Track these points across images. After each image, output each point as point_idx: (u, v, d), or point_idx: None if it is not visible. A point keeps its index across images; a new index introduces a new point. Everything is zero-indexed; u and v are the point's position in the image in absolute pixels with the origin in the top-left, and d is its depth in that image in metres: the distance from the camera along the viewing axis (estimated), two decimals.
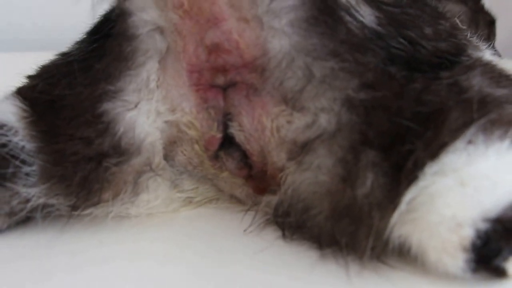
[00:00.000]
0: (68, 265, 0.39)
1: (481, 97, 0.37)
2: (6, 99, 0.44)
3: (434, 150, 0.35)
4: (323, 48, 0.39)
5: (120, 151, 0.42)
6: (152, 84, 0.43)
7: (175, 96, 0.43)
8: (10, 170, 0.41)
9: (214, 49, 0.41)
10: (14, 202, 0.41)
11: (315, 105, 0.39)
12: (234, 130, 0.43)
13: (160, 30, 0.42)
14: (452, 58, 0.42)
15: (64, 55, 0.47)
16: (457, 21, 0.50)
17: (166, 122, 0.44)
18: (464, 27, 0.51)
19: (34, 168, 0.41)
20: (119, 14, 0.43)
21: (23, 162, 0.41)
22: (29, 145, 0.41)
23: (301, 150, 0.40)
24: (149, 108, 0.43)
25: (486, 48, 0.52)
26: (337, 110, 0.39)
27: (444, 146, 0.35)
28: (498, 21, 1.01)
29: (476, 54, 0.45)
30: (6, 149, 0.41)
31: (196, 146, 0.45)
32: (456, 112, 0.36)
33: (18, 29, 1.33)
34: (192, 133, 0.44)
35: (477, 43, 0.48)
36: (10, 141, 0.41)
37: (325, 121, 0.39)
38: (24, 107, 0.43)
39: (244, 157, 0.44)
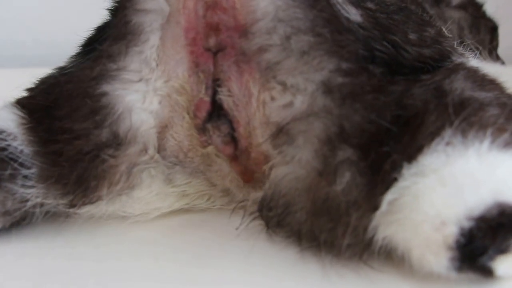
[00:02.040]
0: (66, 268, 0.40)
1: (461, 100, 0.38)
2: (5, 107, 0.46)
3: (411, 152, 0.35)
4: (304, 20, 0.41)
5: (118, 139, 0.44)
6: (153, 64, 0.45)
7: (172, 66, 0.45)
8: (8, 171, 0.42)
9: (212, 5, 0.43)
10: (9, 203, 0.43)
11: (291, 81, 0.41)
12: (223, 95, 0.44)
13: None
14: (435, 63, 0.43)
15: (60, 68, 0.49)
16: (444, 29, 0.51)
17: (160, 101, 0.46)
18: (450, 35, 0.52)
19: (32, 170, 0.43)
20: None
21: (22, 165, 0.43)
22: (27, 149, 0.43)
23: (280, 133, 0.41)
24: (147, 89, 0.45)
25: (478, 55, 0.52)
26: (311, 91, 0.40)
27: (421, 148, 0.35)
28: (503, 28, 1.01)
29: (460, 60, 0.45)
30: (5, 153, 0.43)
31: (186, 117, 0.46)
32: (434, 115, 0.37)
33: (21, 45, 1.36)
34: (182, 99, 0.45)
35: (462, 51, 0.49)
36: (9, 145, 0.43)
37: (299, 102, 0.40)
38: (23, 114, 0.45)
39: (231, 130, 0.45)
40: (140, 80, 0.45)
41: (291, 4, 0.41)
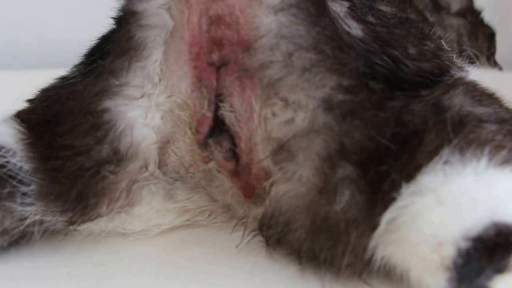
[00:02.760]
0: (65, 287, 0.40)
1: (460, 117, 0.38)
2: (5, 121, 0.46)
3: (410, 172, 0.35)
4: (307, 37, 0.41)
5: (119, 156, 0.44)
6: (156, 78, 0.45)
7: (175, 81, 0.45)
8: (7, 189, 0.42)
9: (216, 20, 0.43)
10: (8, 222, 0.43)
11: (293, 98, 0.41)
12: (224, 111, 0.44)
13: (168, 7, 0.44)
14: (435, 78, 0.43)
15: (63, 78, 0.49)
16: (443, 42, 0.51)
17: (162, 116, 0.46)
18: (449, 48, 0.52)
19: (31, 187, 0.43)
20: None
21: (21, 182, 0.43)
22: (27, 166, 0.43)
23: (281, 149, 0.41)
24: (149, 104, 0.45)
25: (477, 66, 0.52)
26: (312, 108, 0.40)
27: (419, 167, 0.35)
28: (500, 34, 1.02)
29: (459, 74, 0.46)
30: (4, 170, 0.43)
31: (188, 132, 0.46)
32: (433, 133, 0.37)
33: (25, 46, 1.36)
34: (185, 114, 0.46)
35: (461, 64, 0.49)
36: (8, 162, 0.43)
37: (300, 119, 0.40)
38: (22, 129, 0.45)
39: (233, 146, 0.45)
40: (143, 96, 0.45)
41: (294, 21, 0.41)
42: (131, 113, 0.44)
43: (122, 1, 0.47)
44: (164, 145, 0.47)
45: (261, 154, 0.43)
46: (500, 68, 1.01)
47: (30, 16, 1.38)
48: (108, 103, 0.43)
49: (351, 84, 0.40)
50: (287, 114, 0.41)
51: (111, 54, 0.44)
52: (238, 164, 0.45)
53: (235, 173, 0.46)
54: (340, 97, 0.39)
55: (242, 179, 0.46)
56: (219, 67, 0.44)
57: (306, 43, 0.41)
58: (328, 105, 0.40)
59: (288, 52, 0.41)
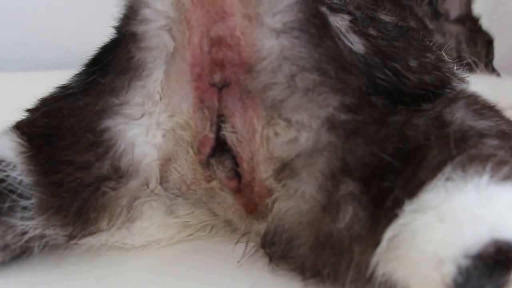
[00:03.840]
0: None
1: (462, 133, 0.38)
2: (5, 134, 0.46)
3: (413, 188, 0.35)
4: (309, 59, 0.41)
5: (119, 173, 0.43)
6: (156, 97, 0.45)
7: (176, 100, 0.45)
8: (7, 204, 0.42)
9: (217, 42, 0.43)
10: (9, 237, 0.43)
11: (296, 118, 0.41)
12: (226, 131, 0.44)
13: (169, 28, 0.44)
14: (436, 90, 0.43)
15: (63, 88, 0.48)
16: (443, 53, 0.51)
17: (164, 135, 0.45)
18: (450, 60, 0.52)
19: (32, 201, 0.43)
20: (130, 12, 0.45)
21: (21, 196, 0.43)
22: (27, 179, 0.43)
23: (284, 168, 0.41)
24: (150, 123, 0.45)
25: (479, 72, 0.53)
26: (316, 128, 0.40)
27: (422, 184, 0.35)
28: (498, 40, 1.02)
29: (460, 86, 0.46)
30: (4, 184, 0.43)
31: (190, 151, 0.46)
32: (435, 149, 0.37)
33: (25, 48, 1.35)
34: (187, 134, 0.46)
35: (462, 75, 0.49)
36: (8, 176, 0.43)
37: (304, 138, 0.40)
38: (22, 142, 0.44)
39: (235, 166, 0.45)
40: (143, 114, 0.45)
41: (297, 44, 0.41)
42: (131, 132, 0.44)
43: (122, 20, 0.46)
44: (165, 162, 0.47)
45: (264, 173, 0.43)
46: (498, 74, 1.01)
47: (29, 18, 1.38)
48: (108, 122, 0.43)
49: (354, 102, 0.40)
50: (290, 134, 0.41)
51: (112, 73, 0.44)
52: (240, 183, 0.45)
53: (237, 191, 0.46)
54: (343, 116, 0.40)
55: (244, 196, 0.46)
56: (221, 88, 0.44)
57: (309, 64, 0.41)
58: (331, 125, 0.40)
59: (291, 74, 0.41)
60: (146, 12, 0.44)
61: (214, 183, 0.46)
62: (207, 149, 0.45)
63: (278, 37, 0.41)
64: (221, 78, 0.44)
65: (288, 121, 0.41)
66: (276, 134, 0.42)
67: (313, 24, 0.42)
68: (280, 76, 0.41)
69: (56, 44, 1.32)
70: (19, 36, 1.36)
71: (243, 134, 0.44)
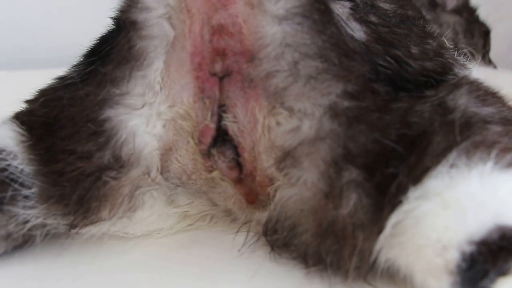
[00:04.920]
0: None
1: (466, 119, 0.38)
2: (4, 124, 0.45)
3: (417, 175, 0.35)
4: (312, 46, 0.40)
5: (120, 162, 0.43)
6: (157, 87, 0.44)
7: (176, 91, 0.44)
8: (9, 193, 0.42)
9: (219, 30, 0.42)
10: (11, 226, 0.43)
11: (299, 106, 0.40)
12: (228, 121, 0.44)
13: (169, 16, 0.43)
14: (438, 77, 0.43)
15: (61, 78, 0.48)
16: (445, 40, 0.51)
17: (164, 125, 0.45)
18: (451, 46, 0.52)
19: (33, 190, 0.43)
20: (130, 0, 0.44)
21: (22, 185, 0.42)
22: (28, 168, 0.43)
23: (286, 157, 0.41)
24: (150, 113, 0.44)
25: (476, 63, 0.53)
26: (318, 116, 0.40)
27: (426, 170, 0.35)
28: (495, 31, 1.02)
29: (462, 72, 0.46)
30: (5, 173, 0.42)
31: (191, 141, 0.46)
32: (439, 135, 0.37)
33: (21, 48, 1.34)
34: (187, 124, 0.45)
35: (463, 61, 0.49)
36: (9, 165, 0.42)
37: (307, 127, 0.40)
38: (22, 131, 0.44)
39: (236, 156, 0.45)
40: (144, 105, 0.44)
41: (300, 30, 0.41)
42: (132, 122, 0.44)
43: (122, 8, 0.46)
44: (166, 152, 0.46)
45: (265, 162, 0.43)
46: (495, 66, 1.02)
47: (27, 17, 1.37)
48: (109, 112, 0.43)
49: (356, 90, 0.40)
50: (292, 122, 0.41)
51: (112, 62, 0.44)
52: (241, 173, 0.45)
53: (238, 181, 0.46)
54: (346, 103, 0.39)
55: (245, 186, 0.46)
56: (222, 77, 0.44)
57: (312, 51, 0.40)
58: (334, 112, 0.39)
59: (294, 61, 0.40)
60: (147, 0, 0.44)
61: (215, 173, 0.46)
62: (208, 139, 0.45)
63: (280, 24, 0.41)
64: (222, 67, 0.43)
65: (291, 109, 0.41)
66: (278, 123, 0.42)
67: (317, 10, 0.41)
68: (283, 63, 0.41)
69: (52, 44, 1.31)
70: (15, 36, 1.35)
71: (245, 124, 0.43)
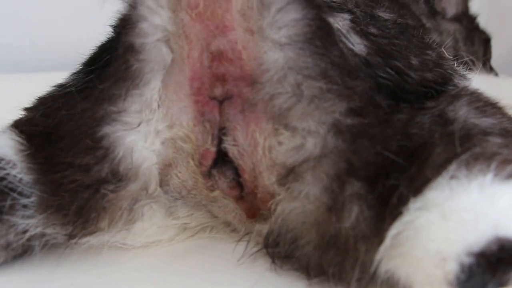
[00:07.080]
0: None
1: (466, 131, 0.38)
2: (3, 132, 0.45)
3: (418, 186, 0.35)
4: (315, 68, 0.40)
5: (118, 176, 0.43)
6: (154, 105, 0.44)
7: (175, 112, 0.44)
8: (8, 202, 0.42)
9: (218, 56, 0.42)
10: (11, 235, 0.42)
11: (303, 125, 0.40)
12: (228, 144, 0.44)
13: (167, 39, 0.43)
14: (439, 87, 0.44)
15: (60, 86, 0.48)
16: (444, 50, 0.51)
17: (163, 142, 0.45)
18: (450, 57, 0.52)
19: (32, 199, 0.42)
20: (127, 23, 0.44)
21: (21, 194, 0.42)
22: (27, 177, 0.43)
23: (289, 174, 0.41)
24: (148, 130, 0.44)
25: (477, 71, 0.53)
26: (323, 134, 0.40)
27: (427, 182, 0.35)
28: (496, 39, 1.02)
29: (462, 83, 0.46)
30: (4, 183, 0.42)
31: (191, 162, 0.46)
32: (440, 147, 0.37)
33: (17, 50, 1.34)
34: (187, 147, 0.45)
35: (463, 72, 0.49)
36: (8, 174, 0.42)
37: (311, 145, 0.40)
38: (21, 140, 0.44)
39: (236, 176, 0.45)
40: (141, 122, 0.44)
41: (302, 54, 0.41)
42: (130, 138, 0.43)
43: (119, 30, 0.45)
44: (165, 167, 0.46)
45: (267, 180, 0.43)
46: (496, 74, 1.02)
47: (22, 19, 1.37)
48: (106, 129, 0.43)
49: (359, 106, 0.40)
50: (295, 141, 0.41)
51: (110, 79, 0.43)
52: (242, 191, 0.45)
53: (240, 198, 0.46)
54: (349, 121, 0.40)
55: (247, 202, 0.46)
56: (222, 100, 0.43)
57: (315, 73, 0.40)
58: (337, 129, 0.40)
59: (297, 83, 0.40)
60: (144, 26, 0.43)
61: (216, 193, 0.46)
62: (208, 162, 0.45)
63: (282, 50, 0.41)
64: (222, 91, 0.43)
65: (294, 129, 0.41)
66: (280, 143, 0.42)
67: (319, 37, 0.41)
68: (285, 85, 0.41)
69: (48, 46, 1.31)
70: (11, 38, 1.35)
71: (245, 147, 0.43)
